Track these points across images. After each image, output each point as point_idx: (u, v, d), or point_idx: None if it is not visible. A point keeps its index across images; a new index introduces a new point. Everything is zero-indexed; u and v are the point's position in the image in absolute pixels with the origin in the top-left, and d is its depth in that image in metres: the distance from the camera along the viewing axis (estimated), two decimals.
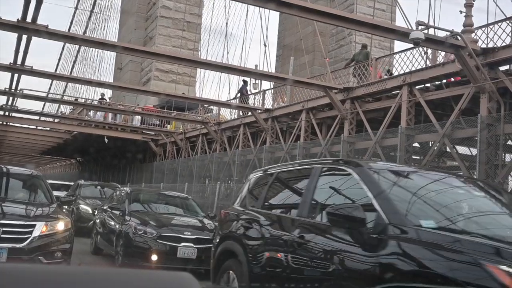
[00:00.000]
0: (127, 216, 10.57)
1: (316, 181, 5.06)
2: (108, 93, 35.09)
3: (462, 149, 13.98)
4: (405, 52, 14.06)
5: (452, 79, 13.27)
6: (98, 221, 12.52)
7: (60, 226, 7.86)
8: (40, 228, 7.49)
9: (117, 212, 11.16)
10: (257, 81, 23.06)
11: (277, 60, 46.61)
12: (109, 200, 13.38)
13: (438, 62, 13.19)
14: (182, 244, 9.59)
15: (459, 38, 11.00)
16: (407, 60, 13.92)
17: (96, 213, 13.44)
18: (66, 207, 13.67)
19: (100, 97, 31.97)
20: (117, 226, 10.70)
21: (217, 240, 6.42)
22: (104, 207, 12.58)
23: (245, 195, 6.60)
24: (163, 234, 9.69)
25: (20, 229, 7.40)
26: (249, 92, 23.44)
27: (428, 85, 13.71)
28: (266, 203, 6.07)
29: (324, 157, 15.89)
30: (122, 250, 10.04)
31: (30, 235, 7.37)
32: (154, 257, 9.51)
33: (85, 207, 16.61)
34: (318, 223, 4.78)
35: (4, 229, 7.17)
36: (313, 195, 5.03)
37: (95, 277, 1.07)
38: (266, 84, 23.54)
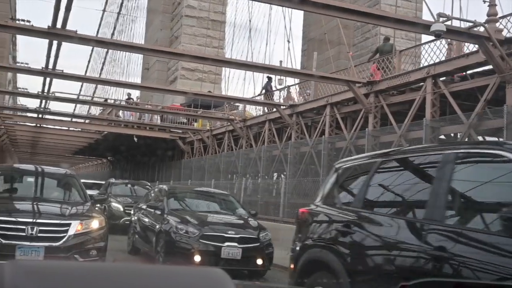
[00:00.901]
0: (167, 214, 10.15)
1: (450, 172, 3.86)
2: (136, 92, 35.61)
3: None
4: (429, 44, 14.02)
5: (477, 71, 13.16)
6: (135, 219, 12.15)
7: (95, 224, 7.93)
8: (75, 227, 7.58)
9: (155, 211, 10.73)
10: (282, 77, 23.17)
11: (303, 54, 46.50)
12: (145, 198, 12.95)
13: (462, 53, 13.13)
14: (226, 244, 9.16)
15: (483, 28, 10.95)
16: (431, 51, 13.89)
17: (132, 211, 13.07)
18: (98, 205, 13.94)
19: (127, 97, 32.48)
20: (156, 226, 10.28)
21: (298, 247, 5.24)
22: (141, 206, 12.13)
23: (332, 190, 5.42)
24: (206, 234, 9.26)
25: (56, 228, 7.51)
26: (273, 88, 23.59)
27: (453, 76, 13.64)
28: (367, 201, 4.81)
29: (349, 151, 16.01)
30: (162, 251, 9.69)
31: (65, 234, 7.47)
32: (197, 258, 9.08)
33: (116, 205, 16.83)
34: (472, 230, 3.56)
35: (40, 228, 7.27)
36: (449, 190, 3.86)
37: (127, 274, 1.08)
38: (291, 79, 23.66)
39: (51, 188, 9.37)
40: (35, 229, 7.22)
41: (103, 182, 25.15)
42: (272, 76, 23.36)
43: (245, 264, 9.32)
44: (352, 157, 6.45)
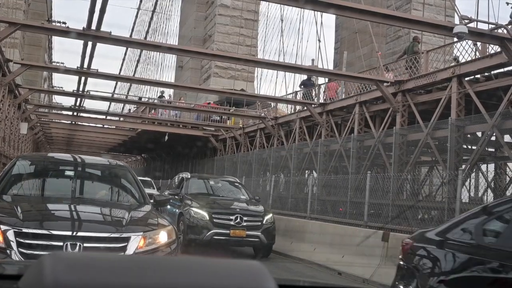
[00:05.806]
0: None
1: None
2: (170, 90, 36.37)
3: None
4: (455, 44, 14.17)
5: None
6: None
7: (162, 237, 5.66)
8: (136, 242, 5.33)
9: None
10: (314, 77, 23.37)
11: (336, 52, 46.65)
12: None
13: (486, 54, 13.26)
14: None
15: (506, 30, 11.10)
16: (457, 51, 14.05)
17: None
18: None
19: (160, 94, 33.11)
20: None
21: None
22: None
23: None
24: None
25: (108, 244, 5.31)
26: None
27: (478, 76, 13.77)
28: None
29: (377, 149, 16.23)
30: None
31: (123, 253, 5.14)
32: None
33: (199, 211, 12.12)
34: None
35: (85, 244, 5.08)
36: None
37: (165, 266, 1.06)
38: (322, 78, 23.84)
39: (97, 186, 7.10)
40: (77, 246, 5.04)
41: (144, 179, 25.55)
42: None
43: None
44: None
